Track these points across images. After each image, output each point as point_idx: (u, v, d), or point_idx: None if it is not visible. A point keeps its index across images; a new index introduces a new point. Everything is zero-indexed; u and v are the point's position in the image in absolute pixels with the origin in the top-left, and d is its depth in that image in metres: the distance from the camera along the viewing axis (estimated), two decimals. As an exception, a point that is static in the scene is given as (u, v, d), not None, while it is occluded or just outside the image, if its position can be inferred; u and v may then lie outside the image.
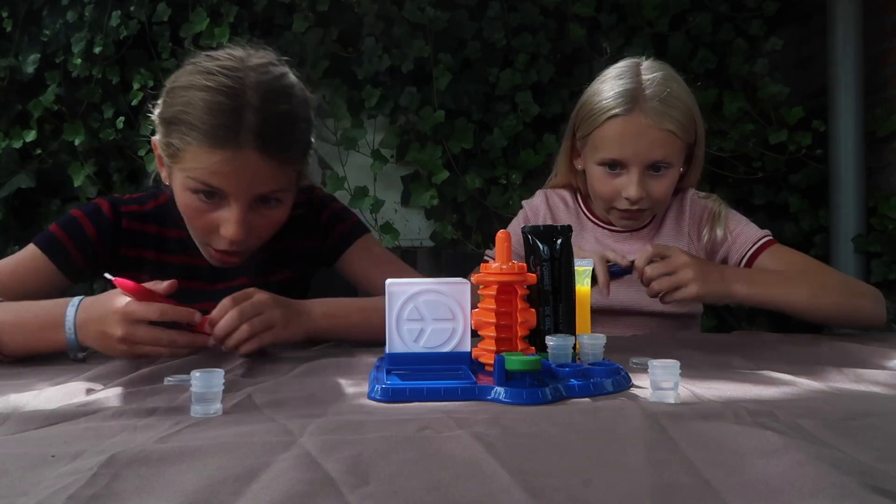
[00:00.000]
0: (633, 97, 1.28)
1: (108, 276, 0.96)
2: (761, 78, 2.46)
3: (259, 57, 1.11)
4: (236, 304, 0.98)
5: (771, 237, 1.36)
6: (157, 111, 1.11)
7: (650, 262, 1.17)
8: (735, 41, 2.47)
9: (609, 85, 1.33)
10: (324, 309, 1.08)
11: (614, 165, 1.32)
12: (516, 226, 1.47)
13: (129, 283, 0.95)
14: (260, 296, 1.01)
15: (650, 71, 1.32)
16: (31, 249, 1.18)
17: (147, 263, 1.25)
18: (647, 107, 1.27)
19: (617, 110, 1.29)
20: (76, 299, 1.00)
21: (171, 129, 1.06)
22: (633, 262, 1.19)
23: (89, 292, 1.10)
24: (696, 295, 1.15)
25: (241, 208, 1.06)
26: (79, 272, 1.22)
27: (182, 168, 1.06)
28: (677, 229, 1.44)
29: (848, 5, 2.40)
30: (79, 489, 0.47)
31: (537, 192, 1.53)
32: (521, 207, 1.53)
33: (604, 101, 1.31)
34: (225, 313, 0.98)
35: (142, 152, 2.49)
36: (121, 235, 1.23)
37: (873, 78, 2.44)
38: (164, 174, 1.15)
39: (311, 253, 1.31)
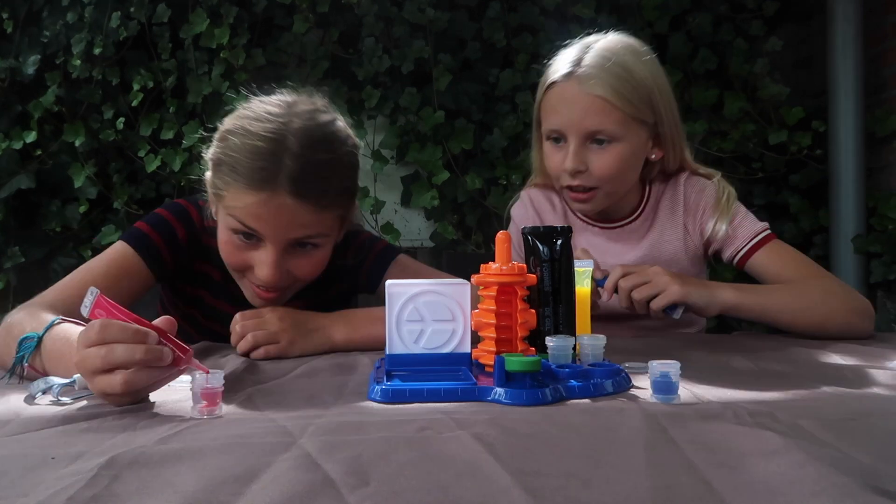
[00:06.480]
0: (573, 64, 1.23)
1: (94, 289, 0.79)
2: (761, 78, 2.47)
3: (307, 103, 1.12)
4: (243, 319, 1.08)
5: (769, 231, 1.30)
6: (209, 152, 1.14)
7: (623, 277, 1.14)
8: (735, 41, 2.47)
9: (560, 55, 1.28)
10: (343, 325, 1.12)
11: (558, 138, 1.27)
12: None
13: (117, 306, 0.78)
14: (270, 314, 1.09)
15: (608, 41, 1.27)
16: (120, 248, 1.16)
17: (213, 284, 1.25)
18: (581, 72, 1.22)
19: (555, 76, 1.24)
20: None
21: (217, 170, 1.09)
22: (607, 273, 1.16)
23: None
24: (679, 295, 1.11)
25: (275, 251, 1.07)
26: (165, 275, 1.21)
27: (224, 206, 1.08)
28: (672, 220, 1.36)
29: (848, 5, 2.40)
30: (79, 490, 0.47)
31: (521, 195, 1.47)
32: (510, 218, 1.46)
33: (549, 70, 1.28)
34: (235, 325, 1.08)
35: (141, 153, 2.50)
36: (201, 248, 1.23)
37: (873, 78, 2.44)
38: (213, 210, 1.17)
39: (350, 285, 1.31)
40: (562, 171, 1.26)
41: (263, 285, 1.11)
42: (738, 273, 1.36)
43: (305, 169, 1.05)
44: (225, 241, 1.11)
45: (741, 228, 1.30)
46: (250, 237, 1.08)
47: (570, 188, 1.28)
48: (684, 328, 1.37)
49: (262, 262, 1.08)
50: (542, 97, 1.29)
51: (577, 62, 1.23)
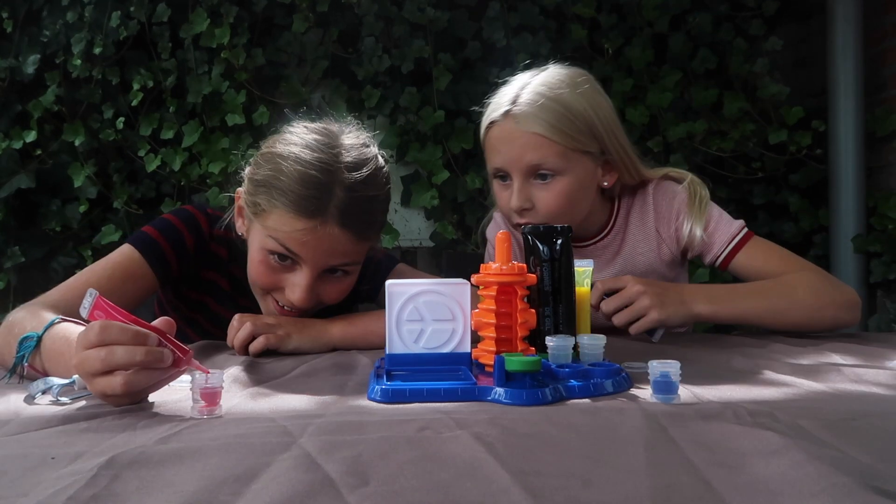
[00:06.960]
0: (510, 102, 1.24)
1: (93, 291, 0.79)
2: (761, 78, 2.46)
3: (353, 137, 1.16)
4: (241, 318, 1.09)
5: (745, 230, 1.30)
6: (248, 169, 1.15)
7: (603, 297, 1.14)
8: (735, 41, 2.47)
9: (498, 93, 1.28)
10: (340, 321, 1.15)
11: (503, 176, 1.28)
12: (487, 257, 1.44)
13: (115, 308, 0.77)
14: (266, 317, 1.12)
15: (545, 76, 1.26)
16: (126, 252, 1.16)
17: (219, 292, 1.26)
18: (517, 111, 1.22)
19: (493, 115, 1.25)
20: None
21: (259, 189, 1.10)
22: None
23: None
24: (658, 321, 1.12)
25: (311, 275, 1.10)
26: (169, 281, 1.22)
27: (264, 226, 1.09)
28: (643, 230, 1.36)
29: (848, 5, 2.40)
30: (78, 490, 0.47)
31: (494, 216, 1.47)
32: (486, 239, 1.47)
33: (488, 109, 1.28)
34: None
35: (141, 153, 2.49)
36: (209, 256, 1.24)
37: (873, 78, 2.44)
38: (239, 224, 1.19)
39: (350, 294, 1.30)
40: (509, 209, 1.27)
41: (291, 306, 1.12)
42: None
43: (355, 202, 1.08)
44: (258, 260, 1.11)
45: (717, 233, 1.30)
46: (285, 259, 1.09)
47: (521, 226, 1.27)
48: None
49: (296, 285, 1.10)
50: (484, 136, 1.29)
51: (514, 100, 1.23)
